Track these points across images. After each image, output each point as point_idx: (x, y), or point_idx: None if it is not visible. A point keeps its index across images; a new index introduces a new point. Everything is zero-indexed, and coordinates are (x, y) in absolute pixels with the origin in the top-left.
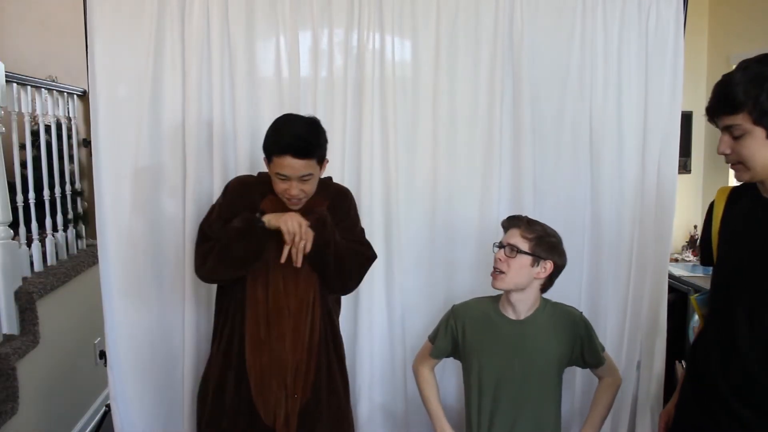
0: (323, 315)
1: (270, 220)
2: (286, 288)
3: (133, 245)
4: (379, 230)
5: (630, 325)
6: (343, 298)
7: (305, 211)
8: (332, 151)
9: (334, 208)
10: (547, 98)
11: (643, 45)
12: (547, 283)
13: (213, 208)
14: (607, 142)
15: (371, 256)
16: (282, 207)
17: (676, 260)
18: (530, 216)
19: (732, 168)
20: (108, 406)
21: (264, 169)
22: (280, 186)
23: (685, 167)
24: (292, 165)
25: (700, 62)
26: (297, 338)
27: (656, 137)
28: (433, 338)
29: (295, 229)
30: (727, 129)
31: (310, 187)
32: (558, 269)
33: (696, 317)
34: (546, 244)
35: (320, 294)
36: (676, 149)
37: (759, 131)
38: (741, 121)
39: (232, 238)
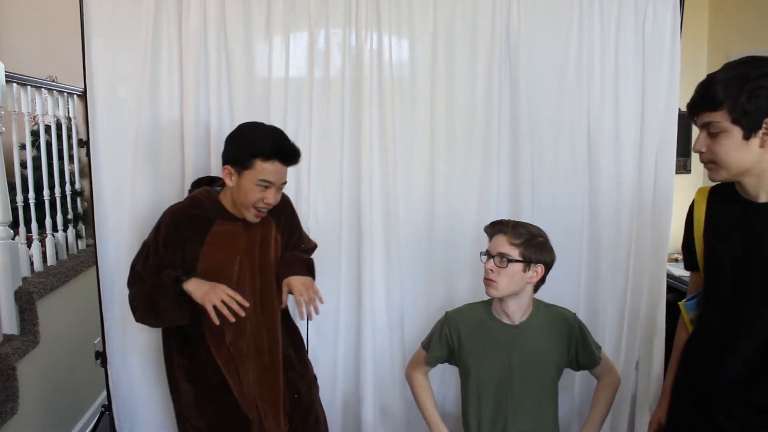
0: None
1: (191, 291)
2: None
3: (132, 244)
4: (379, 232)
5: (628, 326)
6: (344, 302)
7: (284, 262)
8: (331, 152)
9: (285, 218)
10: (544, 98)
11: (639, 44)
12: (539, 283)
13: (146, 247)
14: (604, 142)
15: (315, 248)
16: (234, 229)
17: (676, 260)
18: (528, 217)
19: (705, 167)
20: (104, 407)
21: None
22: (256, 194)
23: (684, 167)
24: (279, 171)
25: (700, 61)
26: (259, 341)
27: (653, 137)
28: (426, 345)
29: (219, 304)
30: (705, 126)
31: (280, 196)
32: (549, 268)
33: None
34: (534, 247)
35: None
36: (674, 149)
37: (736, 131)
38: (720, 118)
39: (156, 304)
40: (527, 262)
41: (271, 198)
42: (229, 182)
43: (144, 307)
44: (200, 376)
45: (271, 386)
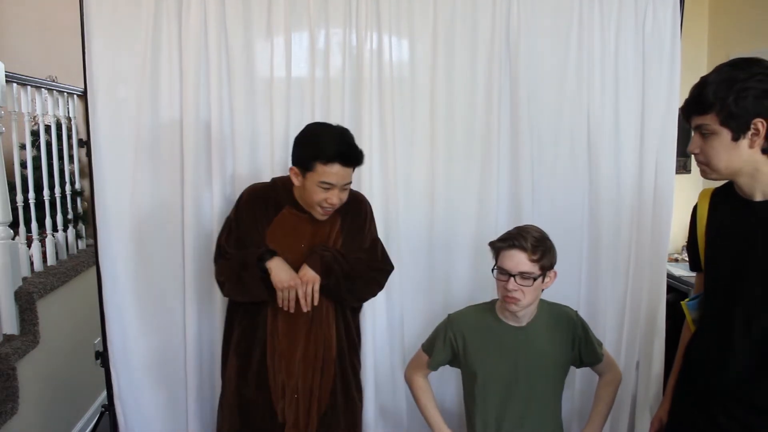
0: (338, 319)
1: (272, 269)
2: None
3: (133, 245)
4: (379, 233)
5: (628, 326)
6: None
7: (312, 245)
8: None
9: (353, 218)
10: (544, 99)
11: (639, 45)
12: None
13: (228, 222)
14: (604, 142)
15: (388, 271)
16: (300, 219)
17: (676, 260)
18: (528, 217)
19: (699, 167)
20: (105, 407)
21: (276, 174)
22: (319, 195)
23: (684, 167)
24: (339, 173)
25: (700, 61)
26: (312, 347)
27: (653, 137)
28: (428, 349)
29: (288, 296)
30: (697, 129)
31: (346, 196)
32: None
33: None
34: (547, 254)
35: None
36: (674, 149)
37: (725, 133)
38: (709, 121)
39: (242, 279)
40: (545, 272)
41: (335, 198)
42: (295, 182)
43: (231, 283)
44: (249, 366)
45: (311, 382)
